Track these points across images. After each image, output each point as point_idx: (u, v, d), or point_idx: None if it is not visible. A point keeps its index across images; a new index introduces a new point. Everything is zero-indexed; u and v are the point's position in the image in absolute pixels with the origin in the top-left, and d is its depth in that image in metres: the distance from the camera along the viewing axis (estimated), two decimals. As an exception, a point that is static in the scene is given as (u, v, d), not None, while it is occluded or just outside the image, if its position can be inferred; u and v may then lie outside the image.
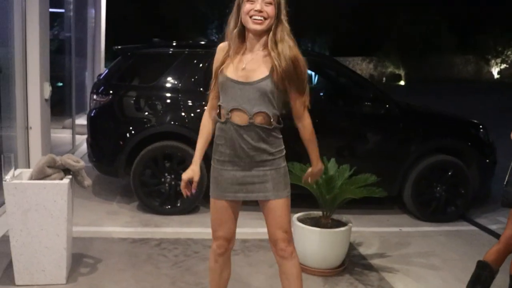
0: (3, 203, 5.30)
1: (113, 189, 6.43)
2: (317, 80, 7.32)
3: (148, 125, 5.55)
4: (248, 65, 2.58)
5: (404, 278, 4.27)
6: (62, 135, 9.21)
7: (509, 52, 42.05)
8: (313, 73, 6.61)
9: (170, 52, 5.97)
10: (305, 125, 2.72)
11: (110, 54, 12.29)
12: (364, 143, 5.88)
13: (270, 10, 2.48)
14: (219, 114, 2.67)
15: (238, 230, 3.13)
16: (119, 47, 5.98)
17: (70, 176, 3.75)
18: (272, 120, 2.61)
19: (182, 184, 2.77)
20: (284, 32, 2.56)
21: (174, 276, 4.04)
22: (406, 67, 38.97)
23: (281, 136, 2.73)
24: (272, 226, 2.76)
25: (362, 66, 40.92)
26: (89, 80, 10.77)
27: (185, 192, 2.79)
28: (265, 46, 2.58)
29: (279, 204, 2.71)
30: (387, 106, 5.84)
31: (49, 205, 3.58)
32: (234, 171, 2.68)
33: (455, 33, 39.39)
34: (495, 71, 43.47)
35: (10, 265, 3.90)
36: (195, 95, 5.60)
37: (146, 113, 5.60)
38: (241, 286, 3.93)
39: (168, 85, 5.73)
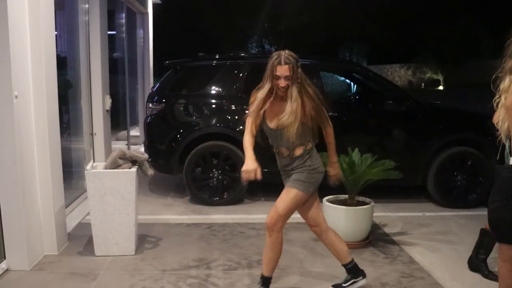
0: (81, 192, 6.23)
1: (167, 186, 7.29)
2: (345, 83, 7.99)
3: (197, 127, 6.38)
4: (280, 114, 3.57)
5: (421, 250, 4.91)
6: (116, 146, 10.10)
7: (551, 54, 41.36)
8: (342, 79, 7.27)
9: (214, 64, 6.77)
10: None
11: (157, 70, 13.17)
12: (388, 138, 6.51)
13: (288, 82, 3.48)
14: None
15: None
16: (170, 61, 6.82)
17: (137, 166, 4.58)
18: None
19: (251, 175, 3.45)
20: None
21: (223, 249, 4.81)
22: (444, 72, 38.73)
23: None
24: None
25: (401, 73, 40.73)
26: (140, 95, 11.64)
27: (249, 178, 3.47)
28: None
29: None
30: (408, 103, 6.48)
31: (121, 189, 4.40)
32: None
33: (493, 36, 39.05)
34: (538, 73, 42.77)
35: (88, 242, 4.77)
36: (237, 100, 6.38)
37: (195, 118, 6.43)
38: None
39: (213, 92, 6.53)
